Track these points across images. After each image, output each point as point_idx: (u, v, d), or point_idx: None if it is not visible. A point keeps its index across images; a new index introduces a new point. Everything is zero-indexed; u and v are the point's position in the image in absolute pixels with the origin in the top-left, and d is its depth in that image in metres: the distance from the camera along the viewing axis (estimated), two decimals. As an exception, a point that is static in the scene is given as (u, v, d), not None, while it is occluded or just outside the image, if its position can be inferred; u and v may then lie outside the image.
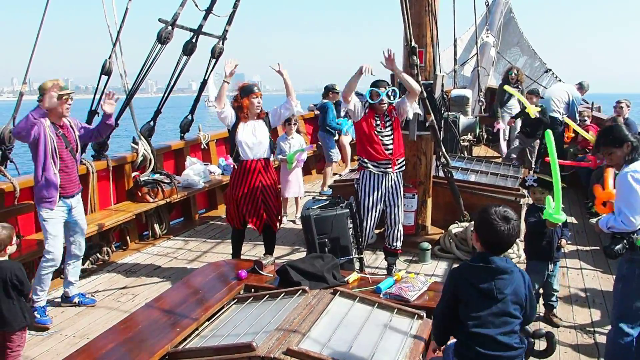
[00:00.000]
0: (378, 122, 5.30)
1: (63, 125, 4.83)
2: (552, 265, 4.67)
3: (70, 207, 4.91)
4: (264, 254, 5.55)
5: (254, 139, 5.33)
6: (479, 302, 2.68)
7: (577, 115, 9.32)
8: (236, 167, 5.40)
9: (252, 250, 6.45)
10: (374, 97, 5.26)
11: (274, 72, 5.41)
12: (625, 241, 3.61)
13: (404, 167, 5.50)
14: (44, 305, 4.84)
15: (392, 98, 5.32)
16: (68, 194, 4.85)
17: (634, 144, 3.63)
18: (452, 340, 2.91)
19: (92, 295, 5.32)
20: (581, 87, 9.95)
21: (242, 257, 6.21)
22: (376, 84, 5.27)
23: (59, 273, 5.40)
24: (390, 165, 5.30)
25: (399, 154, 5.38)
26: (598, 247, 6.23)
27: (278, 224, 5.73)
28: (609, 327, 3.89)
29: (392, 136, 5.33)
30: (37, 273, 4.83)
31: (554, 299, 4.78)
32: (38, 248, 5.28)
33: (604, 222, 3.72)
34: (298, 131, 8.27)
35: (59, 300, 5.22)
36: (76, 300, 5.17)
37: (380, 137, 5.27)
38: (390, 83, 5.42)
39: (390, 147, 5.31)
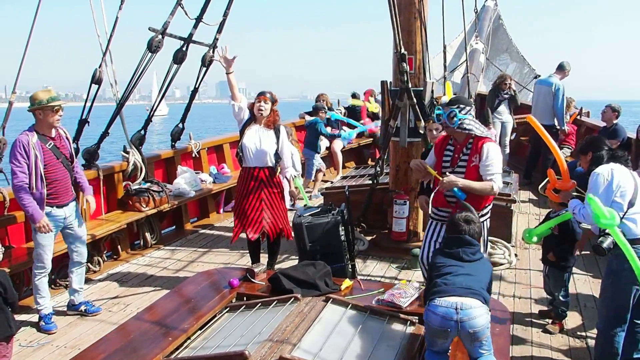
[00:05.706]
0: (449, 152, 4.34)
1: (55, 136, 4.84)
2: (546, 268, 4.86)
3: (65, 217, 4.93)
4: (268, 262, 5.54)
5: (259, 145, 5.28)
6: None
7: (564, 106, 9.24)
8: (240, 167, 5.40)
9: (245, 259, 6.42)
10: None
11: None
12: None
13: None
14: (49, 313, 4.87)
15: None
16: (61, 203, 4.88)
17: (595, 156, 4.05)
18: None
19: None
20: (561, 68, 9.36)
21: (234, 265, 6.20)
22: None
23: (52, 283, 5.42)
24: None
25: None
26: (589, 252, 6.25)
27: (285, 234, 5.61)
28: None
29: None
30: (32, 281, 4.90)
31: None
32: (28, 258, 5.25)
33: (574, 208, 3.92)
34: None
35: (60, 308, 5.20)
36: (82, 308, 5.16)
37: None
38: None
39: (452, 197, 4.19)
